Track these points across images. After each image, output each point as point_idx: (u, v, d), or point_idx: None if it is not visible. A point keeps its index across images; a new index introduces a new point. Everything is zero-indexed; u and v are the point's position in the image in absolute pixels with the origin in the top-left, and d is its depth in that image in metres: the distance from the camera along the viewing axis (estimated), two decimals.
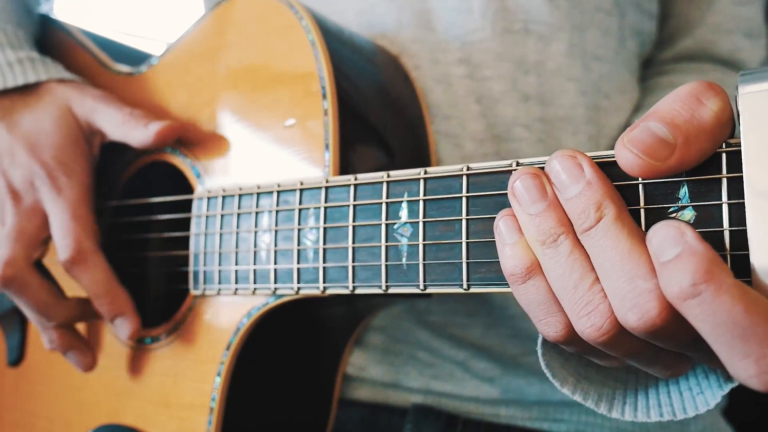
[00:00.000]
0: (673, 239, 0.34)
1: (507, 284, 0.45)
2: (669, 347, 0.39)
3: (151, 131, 0.67)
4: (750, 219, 0.36)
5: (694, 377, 0.46)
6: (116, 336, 0.73)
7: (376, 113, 0.66)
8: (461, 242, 0.47)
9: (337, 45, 0.63)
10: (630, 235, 0.38)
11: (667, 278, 0.34)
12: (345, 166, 0.59)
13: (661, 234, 0.35)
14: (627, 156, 0.38)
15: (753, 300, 0.33)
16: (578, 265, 0.40)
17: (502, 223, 0.43)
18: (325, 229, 0.55)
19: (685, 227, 0.35)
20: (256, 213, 0.60)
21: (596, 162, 0.42)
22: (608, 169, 0.41)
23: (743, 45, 0.85)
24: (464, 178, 0.47)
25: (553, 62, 0.74)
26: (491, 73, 0.73)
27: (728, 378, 0.44)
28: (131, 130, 0.68)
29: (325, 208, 0.55)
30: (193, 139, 0.69)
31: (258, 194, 0.60)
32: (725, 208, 0.38)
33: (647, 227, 0.40)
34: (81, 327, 0.77)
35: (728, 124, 0.37)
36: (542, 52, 0.73)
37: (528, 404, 0.74)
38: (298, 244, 0.57)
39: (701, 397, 0.45)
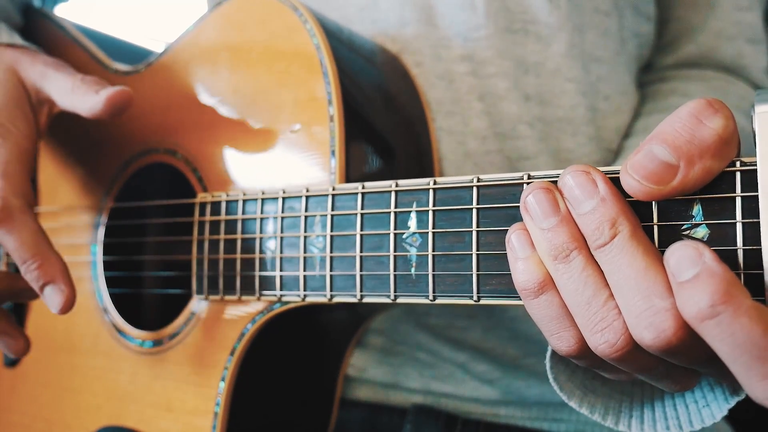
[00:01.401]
0: (691, 259, 0.35)
1: (518, 297, 0.45)
2: (682, 364, 0.40)
3: (101, 97, 0.63)
4: (765, 237, 0.36)
5: (699, 390, 0.47)
6: (118, 340, 0.73)
7: (380, 116, 0.65)
8: (471, 254, 0.47)
9: (340, 48, 0.63)
10: (645, 253, 0.38)
11: (685, 298, 0.35)
12: (351, 172, 0.59)
13: (679, 254, 0.35)
14: (630, 183, 0.39)
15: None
16: (591, 281, 0.40)
17: (514, 237, 0.43)
18: (332, 237, 0.55)
19: (703, 248, 0.35)
20: (261, 219, 0.60)
21: (609, 177, 0.42)
22: (615, 185, 0.41)
23: (746, 51, 0.85)
24: (474, 189, 0.47)
25: (553, 63, 0.74)
26: (495, 70, 0.72)
27: (734, 392, 0.44)
28: (80, 97, 0.64)
29: (332, 215, 0.55)
30: (192, 140, 0.68)
31: (262, 200, 0.60)
32: (739, 227, 0.38)
33: (660, 244, 0.40)
34: (72, 327, 0.76)
35: (732, 140, 0.38)
36: (541, 53, 0.73)
37: (527, 405, 0.74)
38: (305, 252, 0.56)
39: (707, 410, 0.46)
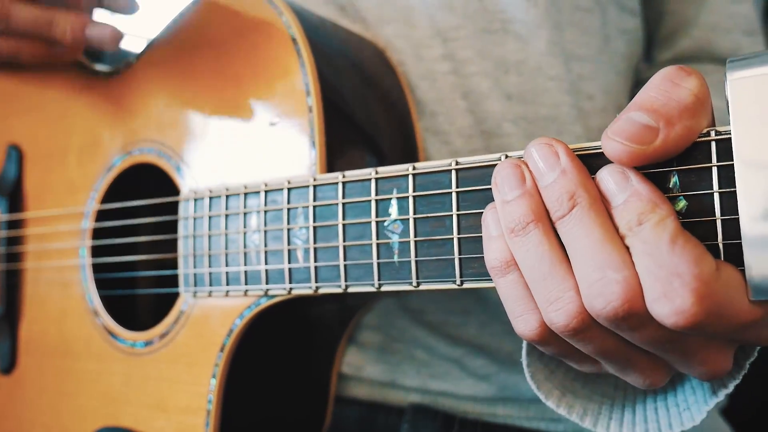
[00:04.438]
0: (620, 185, 0.38)
1: None
2: (636, 342, 0.40)
3: None
4: (742, 207, 0.36)
5: (682, 393, 0.47)
6: (109, 342, 0.72)
7: (363, 108, 0.65)
8: (453, 238, 0.47)
9: (320, 39, 0.62)
10: (603, 226, 0.38)
11: (619, 218, 0.38)
12: (332, 163, 0.58)
13: (608, 179, 0.39)
14: (613, 146, 0.38)
15: (686, 239, 0.36)
16: (548, 256, 0.40)
17: (489, 216, 0.43)
18: (315, 228, 0.54)
19: (629, 172, 0.38)
20: (245, 213, 0.59)
21: (583, 153, 0.42)
22: (595, 160, 0.41)
23: (743, 43, 0.84)
24: (453, 173, 0.47)
25: (534, 61, 0.73)
26: (476, 69, 0.72)
27: (714, 392, 0.44)
28: None
29: (314, 206, 0.55)
30: (173, 138, 0.68)
31: (245, 194, 0.60)
32: (717, 197, 0.38)
33: None
34: (64, 331, 0.76)
35: (707, 100, 0.38)
36: (522, 51, 0.73)
37: (525, 403, 0.74)
38: (289, 244, 0.56)
39: (687, 413, 0.45)
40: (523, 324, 0.43)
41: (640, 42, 0.85)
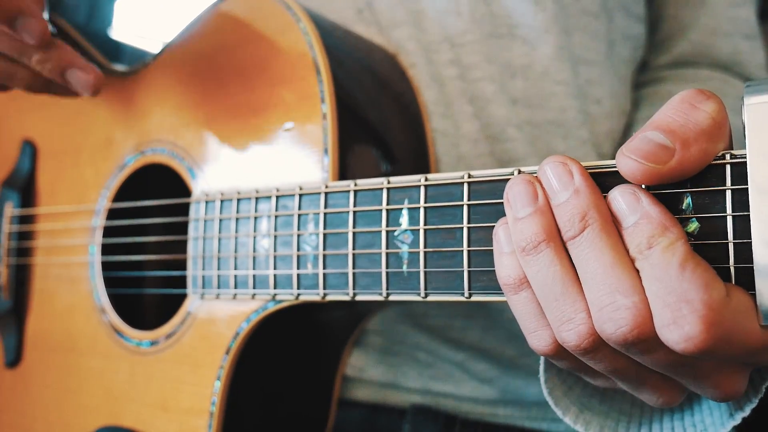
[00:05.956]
0: (632, 206, 0.38)
1: None
2: (647, 364, 0.40)
3: None
4: (755, 231, 0.36)
5: (699, 413, 0.46)
6: (115, 340, 0.73)
7: (376, 115, 0.65)
8: (462, 250, 0.47)
9: (335, 46, 0.62)
10: (613, 248, 0.38)
11: (629, 241, 0.38)
12: (344, 170, 0.59)
13: (620, 200, 0.39)
14: (628, 163, 0.38)
15: (696, 263, 0.36)
16: (560, 276, 0.40)
17: (501, 231, 0.43)
18: (324, 234, 0.55)
19: (640, 193, 0.38)
20: (255, 217, 0.60)
21: (596, 172, 0.41)
22: (608, 179, 0.41)
23: (743, 47, 0.84)
24: (465, 185, 0.47)
25: (540, 65, 0.73)
26: (481, 75, 0.72)
27: (731, 415, 0.44)
28: None
29: (325, 213, 0.55)
30: (187, 140, 0.69)
31: (256, 198, 0.60)
32: (729, 220, 0.38)
33: None
34: (70, 328, 0.77)
35: (725, 125, 0.38)
36: (528, 56, 0.73)
37: (526, 404, 0.74)
38: (298, 250, 0.56)
39: None
40: (537, 340, 0.43)
41: (642, 48, 0.85)
